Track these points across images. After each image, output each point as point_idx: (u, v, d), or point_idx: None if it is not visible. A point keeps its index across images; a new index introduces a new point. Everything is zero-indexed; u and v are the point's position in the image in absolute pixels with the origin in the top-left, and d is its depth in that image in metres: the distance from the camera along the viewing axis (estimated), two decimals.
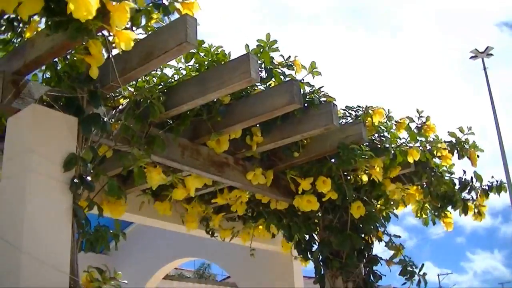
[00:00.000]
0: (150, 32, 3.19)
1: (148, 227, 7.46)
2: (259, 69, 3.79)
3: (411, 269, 4.88)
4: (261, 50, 3.95)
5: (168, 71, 3.78)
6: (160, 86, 3.68)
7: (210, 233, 5.47)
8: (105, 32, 2.98)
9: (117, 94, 3.59)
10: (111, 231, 3.28)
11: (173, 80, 3.75)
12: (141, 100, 3.42)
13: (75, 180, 2.93)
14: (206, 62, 3.78)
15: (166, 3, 3.16)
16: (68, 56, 3.26)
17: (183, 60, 3.80)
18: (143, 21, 3.20)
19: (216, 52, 3.78)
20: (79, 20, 2.50)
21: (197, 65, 3.82)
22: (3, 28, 3.20)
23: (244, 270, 7.18)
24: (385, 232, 5.04)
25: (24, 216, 2.72)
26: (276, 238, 5.99)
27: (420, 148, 4.89)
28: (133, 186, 4.44)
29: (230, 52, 3.76)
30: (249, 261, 5.99)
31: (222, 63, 3.65)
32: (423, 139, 5.04)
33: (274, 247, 6.31)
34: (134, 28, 2.98)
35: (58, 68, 3.33)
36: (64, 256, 2.81)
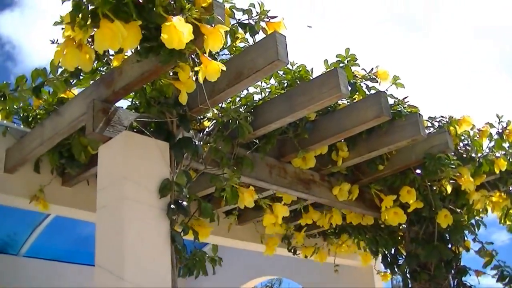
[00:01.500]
0: (235, 52, 3.16)
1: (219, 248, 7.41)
2: None
3: (508, 273, 4.74)
4: (340, 65, 3.87)
5: (251, 91, 3.74)
6: (246, 106, 3.64)
7: (292, 251, 5.41)
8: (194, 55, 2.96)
9: (202, 117, 3.57)
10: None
11: (258, 99, 3.71)
12: (229, 121, 3.38)
13: (172, 206, 2.90)
14: (288, 81, 3.73)
15: (252, 23, 3.13)
16: (155, 81, 3.24)
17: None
18: (229, 42, 3.19)
19: (298, 70, 3.72)
20: None
21: (278, 83, 3.77)
22: None
23: (323, 286, 7.06)
24: (477, 239, 4.91)
25: (124, 245, 2.70)
26: (354, 253, 5.89)
27: (504, 154, 4.79)
28: (216, 208, 4.42)
29: (312, 69, 3.71)
30: (326, 276, 5.91)
31: (306, 80, 3.59)
32: (507, 145, 4.91)
33: (353, 262, 6.21)
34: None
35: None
36: (166, 283, 2.78)
